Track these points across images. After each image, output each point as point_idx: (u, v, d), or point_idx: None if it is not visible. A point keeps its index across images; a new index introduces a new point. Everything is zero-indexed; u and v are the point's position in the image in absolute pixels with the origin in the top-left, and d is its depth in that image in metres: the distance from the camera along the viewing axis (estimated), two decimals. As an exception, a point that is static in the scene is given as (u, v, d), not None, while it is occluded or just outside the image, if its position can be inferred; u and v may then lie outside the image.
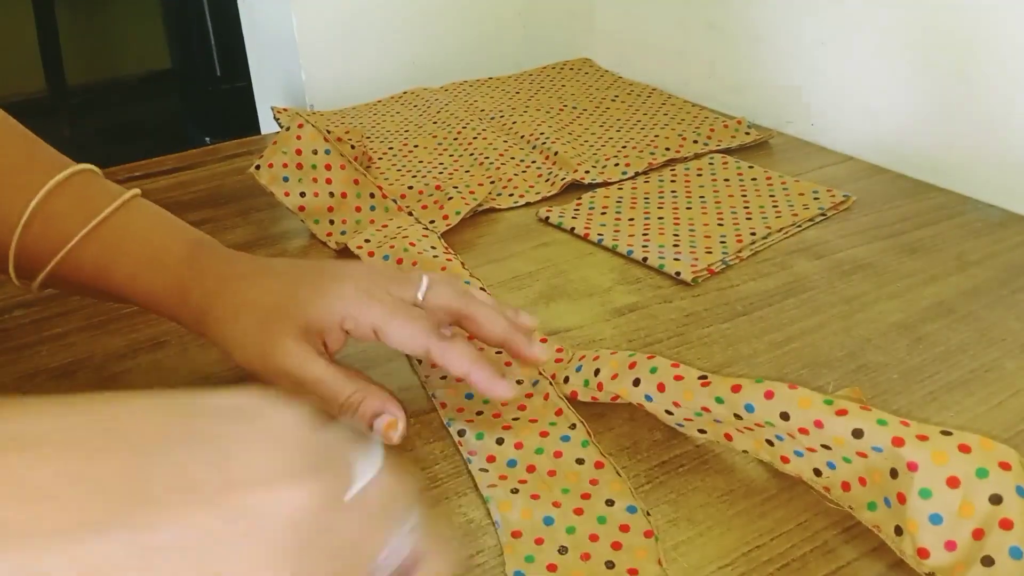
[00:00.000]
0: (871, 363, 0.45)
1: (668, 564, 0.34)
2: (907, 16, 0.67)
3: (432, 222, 0.58)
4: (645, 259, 0.55)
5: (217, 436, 0.21)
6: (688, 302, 0.51)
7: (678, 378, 0.38)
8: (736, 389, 0.35)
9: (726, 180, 0.66)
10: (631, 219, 0.60)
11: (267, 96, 0.97)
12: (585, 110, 0.81)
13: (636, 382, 0.39)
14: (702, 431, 0.38)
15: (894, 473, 0.32)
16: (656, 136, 0.74)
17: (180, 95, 2.08)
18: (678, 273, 0.53)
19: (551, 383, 0.43)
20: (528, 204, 0.64)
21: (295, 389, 0.36)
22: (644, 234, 0.58)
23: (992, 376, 0.44)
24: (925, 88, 0.68)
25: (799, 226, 0.59)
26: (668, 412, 0.38)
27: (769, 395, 0.35)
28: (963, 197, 0.63)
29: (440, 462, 0.39)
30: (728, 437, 0.38)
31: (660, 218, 0.60)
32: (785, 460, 0.36)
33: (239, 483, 0.20)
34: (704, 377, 0.37)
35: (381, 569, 0.23)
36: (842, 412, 0.33)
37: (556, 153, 0.71)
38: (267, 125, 0.93)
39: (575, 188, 0.65)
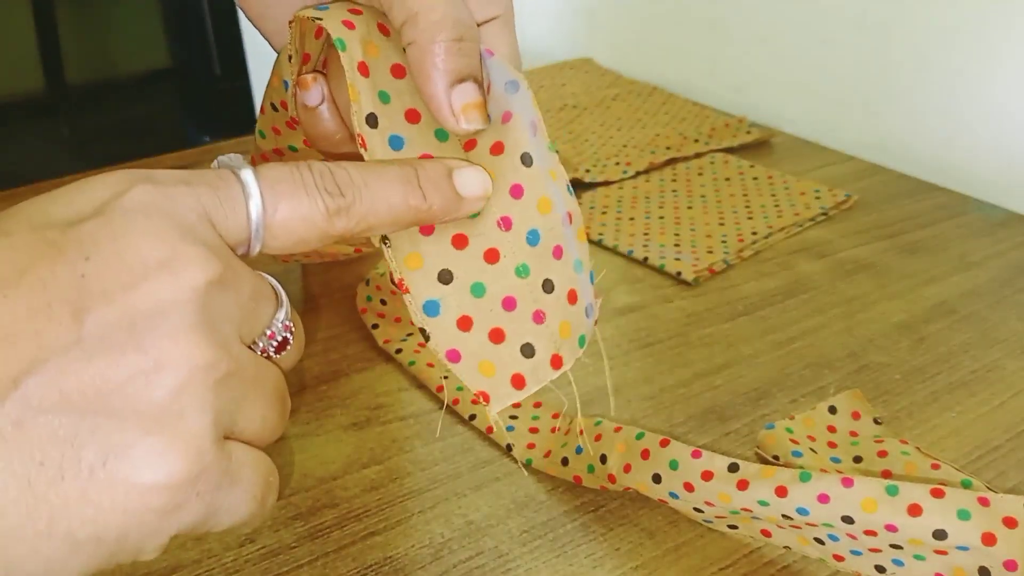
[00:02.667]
0: (873, 363, 0.45)
1: (668, 566, 0.34)
2: (908, 15, 0.67)
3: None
4: (646, 259, 0.55)
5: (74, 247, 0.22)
6: (689, 302, 0.51)
7: (707, 475, 0.32)
8: (782, 492, 0.31)
9: (727, 179, 0.65)
10: (632, 218, 0.60)
11: (266, 95, 0.96)
12: (586, 109, 0.81)
13: (656, 478, 0.34)
14: (733, 527, 0.34)
15: (985, 572, 0.29)
16: (657, 135, 0.74)
17: (179, 94, 2.08)
18: (679, 273, 0.53)
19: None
20: (528, 203, 0.64)
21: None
22: (645, 233, 0.58)
23: (994, 376, 0.44)
24: (926, 87, 0.67)
25: (800, 225, 0.59)
26: (697, 510, 0.34)
27: (824, 499, 0.30)
28: (965, 197, 0.63)
29: (440, 463, 0.39)
30: (766, 534, 0.34)
31: (661, 217, 0.60)
32: (839, 559, 0.33)
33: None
34: (735, 467, 0.32)
35: (264, 341, 0.26)
36: (916, 510, 0.29)
37: (557, 152, 0.70)
38: (266, 124, 0.93)
39: (575, 187, 0.65)
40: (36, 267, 0.21)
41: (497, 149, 0.29)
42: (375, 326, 0.47)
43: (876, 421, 0.40)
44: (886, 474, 0.36)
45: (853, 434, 0.39)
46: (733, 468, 0.32)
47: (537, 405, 0.41)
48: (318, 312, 0.50)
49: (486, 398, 0.29)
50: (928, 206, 0.62)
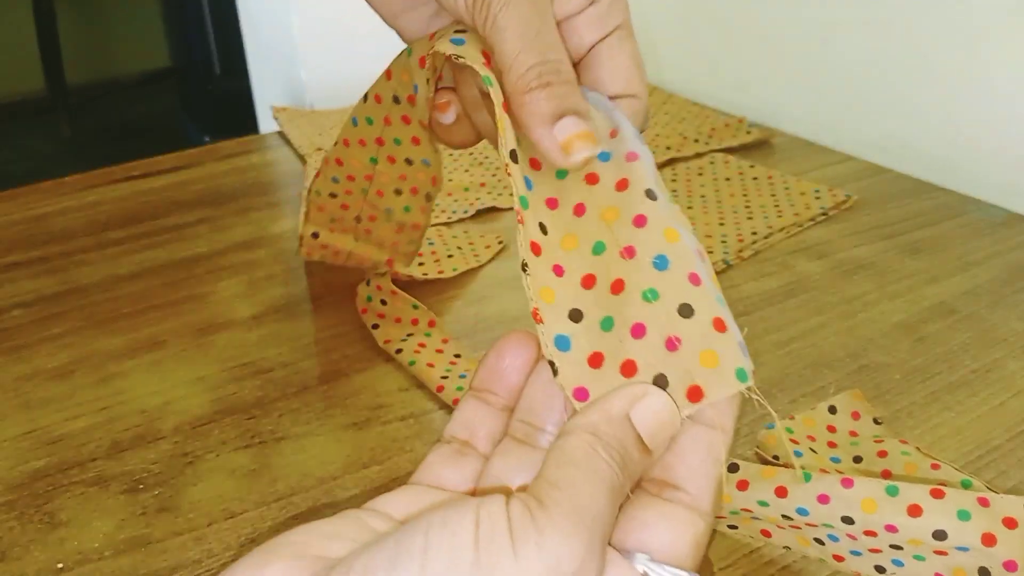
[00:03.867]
0: (873, 363, 0.45)
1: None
2: (908, 15, 0.67)
3: (425, 274, 0.54)
4: (646, 259, 0.55)
5: None
6: (689, 302, 0.51)
7: None
8: (782, 492, 0.31)
9: (727, 179, 0.65)
10: (632, 218, 0.60)
11: (266, 95, 0.96)
12: (585, 109, 0.81)
13: None
14: (732, 527, 0.34)
15: (985, 573, 0.29)
16: (657, 135, 0.74)
17: (179, 94, 2.08)
18: (679, 273, 0.53)
19: None
20: (528, 203, 0.64)
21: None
22: (645, 234, 0.58)
23: (994, 376, 0.44)
24: (927, 86, 0.67)
25: (800, 226, 0.59)
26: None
27: (824, 499, 0.30)
28: (965, 197, 0.63)
29: (440, 463, 0.39)
30: (766, 534, 0.34)
31: (661, 218, 0.60)
32: (839, 559, 0.32)
33: None
34: (734, 468, 0.32)
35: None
36: (916, 510, 0.29)
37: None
38: (266, 124, 0.93)
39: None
40: None
41: (622, 185, 0.28)
42: (375, 326, 0.47)
43: (876, 421, 0.40)
44: (886, 474, 0.36)
45: (853, 434, 0.39)
46: (733, 468, 0.32)
47: None
48: (319, 312, 0.50)
49: None
50: (928, 206, 0.62)
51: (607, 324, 0.27)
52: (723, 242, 0.56)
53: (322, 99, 0.87)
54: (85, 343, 0.48)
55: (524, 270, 0.28)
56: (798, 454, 0.36)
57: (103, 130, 2.12)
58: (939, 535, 0.28)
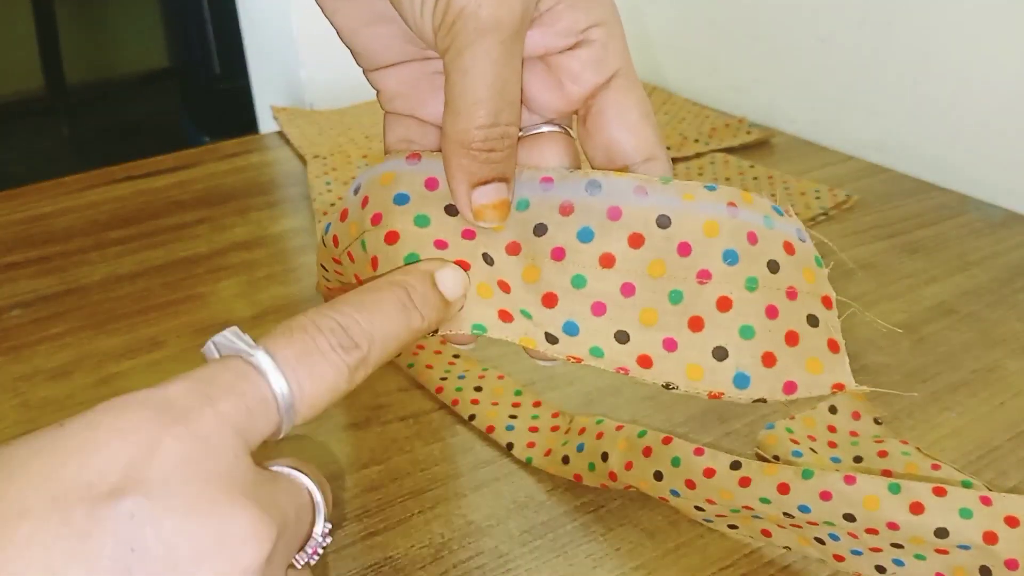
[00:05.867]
0: (873, 363, 0.45)
1: (674, 561, 0.34)
2: (908, 14, 0.67)
3: None
4: (646, 259, 0.55)
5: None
6: (689, 302, 0.51)
7: (709, 473, 0.32)
8: (784, 489, 0.31)
9: (727, 179, 0.65)
10: (631, 219, 0.60)
11: (266, 95, 0.96)
12: (585, 109, 0.81)
13: (658, 475, 0.34)
14: (733, 526, 0.34)
15: (986, 572, 0.29)
16: (656, 135, 0.73)
17: (179, 94, 2.08)
18: (679, 273, 0.53)
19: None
20: (528, 203, 0.64)
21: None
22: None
23: (994, 376, 0.44)
24: (927, 86, 0.67)
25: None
26: (698, 508, 0.34)
27: (826, 496, 0.30)
28: (965, 197, 0.63)
29: (440, 463, 0.39)
30: (766, 533, 0.34)
31: (661, 218, 0.60)
32: (839, 559, 0.32)
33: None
34: (737, 465, 0.32)
35: (303, 556, 0.25)
36: (918, 508, 0.29)
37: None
38: (266, 124, 0.93)
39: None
40: (71, 569, 0.18)
41: (635, 241, 0.27)
42: None
43: (876, 421, 0.40)
44: (886, 474, 0.36)
45: (853, 434, 0.39)
46: (735, 466, 0.32)
47: (537, 404, 0.41)
48: (318, 312, 0.50)
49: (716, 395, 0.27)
50: (928, 206, 0.62)
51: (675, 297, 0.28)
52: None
53: (322, 99, 0.87)
54: (84, 343, 0.48)
55: (583, 361, 0.28)
56: (798, 454, 0.36)
57: (103, 130, 2.12)
58: (941, 533, 0.28)
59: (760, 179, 0.65)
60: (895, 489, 0.29)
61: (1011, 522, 0.28)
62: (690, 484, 0.33)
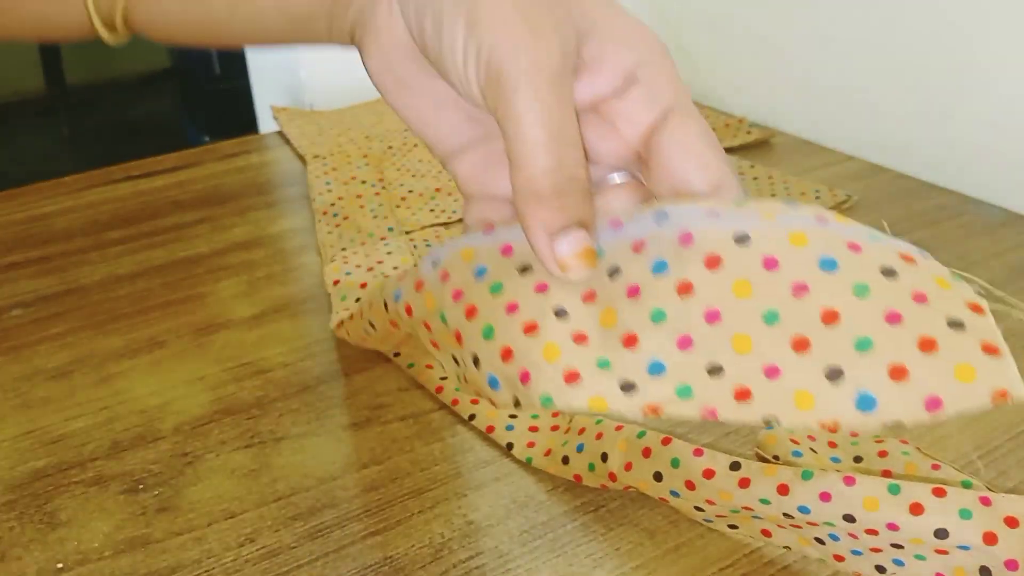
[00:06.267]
0: (873, 363, 0.45)
1: (669, 565, 0.34)
2: (909, 15, 0.67)
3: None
4: (646, 259, 0.54)
5: None
6: (689, 302, 0.51)
7: (708, 474, 0.32)
8: (783, 490, 0.30)
9: (727, 179, 0.65)
10: (632, 219, 0.60)
11: (266, 95, 0.96)
12: (585, 109, 0.81)
13: (657, 476, 0.33)
14: (733, 527, 0.34)
15: (986, 572, 0.29)
16: (656, 135, 0.73)
17: (179, 94, 2.08)
18: (679, 273, 0.53)
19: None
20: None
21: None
22: (645, 234, 0.58)
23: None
24: (927, 86, 0.67)
25: (800, 226, 0.59)
26: (698, 508, 0.34)
27: (826, 497, 0.30)
28: (965, 197, 0.63)
29: (440, 463, 0.39)
30: (766, 533, 0.33)
31: (661, 218, 0.60)
32: (839, 559, 0.32)
33: None
34: (736, 465, 0.31)
35: None
36: (918, 509, 0.29)
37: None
38: (266, 124, 0.93)
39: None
40: None
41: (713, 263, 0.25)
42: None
43: (876, 421, 0.40)
44: (886, 474, 0.36)
45: (853, 434, 0.39)
46: (735, 466, 0.32)
47: None
48: (319, 312, 0.50)
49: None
50: (928, 206, 0.62)
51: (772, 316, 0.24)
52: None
53: (322, 99, 0.87)
54: (85, 343, 0.48)
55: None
56: (798, 454, 0.36)
57: (103, 130, 2.12)
58: (940, 534, 0.28)
59: (760, 179, 0.65)
60: (895, 490, 0.29)
61: (1011, 523, 0.28)
62: (690, 485, 0.32)
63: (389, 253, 0.54)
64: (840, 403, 0.23)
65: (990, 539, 0.28)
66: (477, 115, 0.30)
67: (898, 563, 0.31)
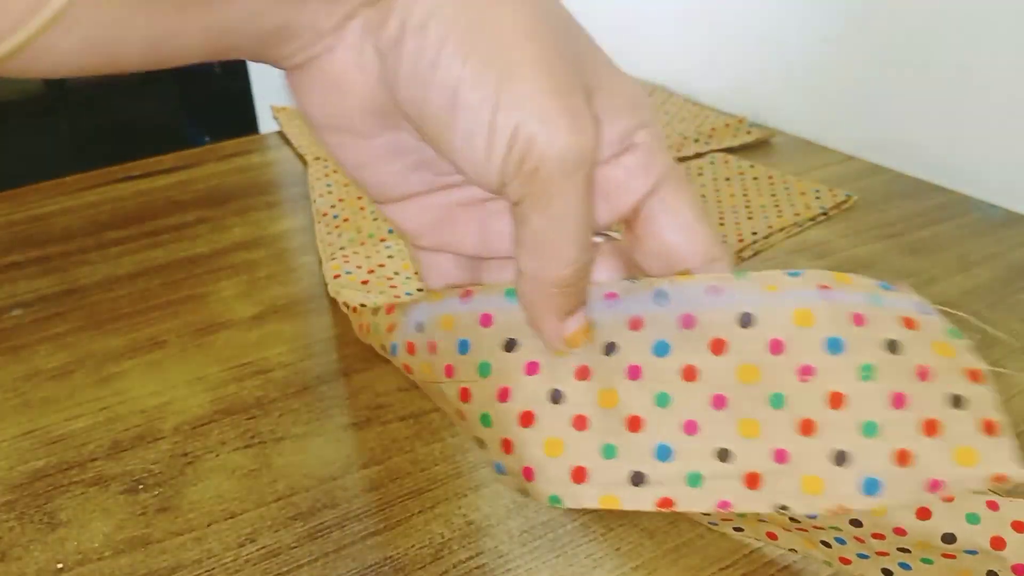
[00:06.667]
0: (873, 363, 0.45)
1: (669, 566, 0.34)
2: (909, 15, 0.67)
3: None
4: (646, 259, 0.54)
5: None
6: (689, 302, 0.51)
7: None
8: None
9: (727, 179, 0.65)
10: (632, 219, 0.60)
11: (266, 95, 0.96)
12: (585, 109, 0.81)
13: None
14: (738, 529, 0.34)
15: None
16: (656, 135, 0.73)
17: (179, 94, 2.08)
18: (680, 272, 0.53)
19: None
20: (528, 203, 0.64)
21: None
22: (645, 234, 0.58)
23: (994, 376, 0.44)
24: (927, 86, 0.67)
25: (800, 225, 0.59)
26: (703, 512, 0.34)
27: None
28: (965, 197, 0.63)
29: (440, 463, 0.39)
30: (772, 536, 0.33)
31: (661, 218, 0.60)
32: (846, 562, 0.32)
33: None
34: None
35: None
36: (925, 513, 0.28)
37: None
38: (266, 124, 0.93)
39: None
40: None
41: (719, 347, 0.25)
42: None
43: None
44: None
45: None
46: None
47: None
48: (319, 312, 0.50)
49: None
50: (928, 206, 0.62)
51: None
52: (723, 242, 0.56)
53: (322, 99, 0.86)
54: (85, 343, 0.48)
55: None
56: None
57: (103, 130, 2.12)
58: (948, 538, 0.28)
59: (760, 179, 0.65)
60: None
61: (1018, 527, 0.28)
62: None
63: (390, 257, 0.54)
64: (847, 487, 0.23)
65: (998, 544, 0.28)
66: (429, 165, 0.28)
67: (904, 567, 0.31)
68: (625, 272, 0.27)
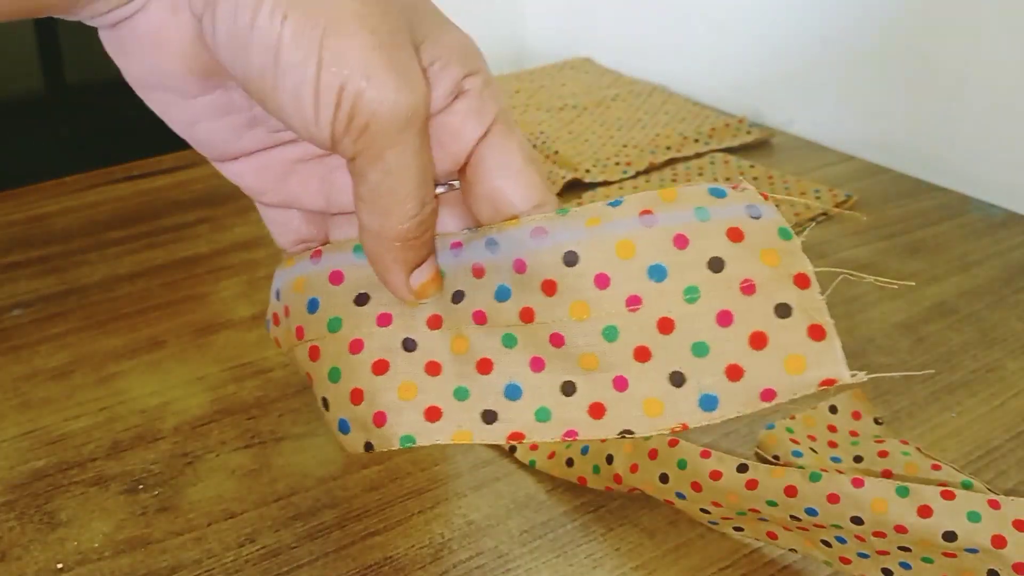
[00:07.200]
0: (873, 363, 0.45)
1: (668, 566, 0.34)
2: (909, 15, 0.67)
3: None
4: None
5: None
6: (689, 302, 0.51)
7: (715, 475, 0.31)
8: (791, 492, 0.30)
9: (727, 179, 0.65)
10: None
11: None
12: (586, 109, 0.81)
13: (663, 477, 0.33)
14: (739, 528, 0.34)
15: (994, 575, 0.29)
16: (657, 135, 0.74)
17: (179, 94, 2.08)
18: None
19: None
20: (528, 203, 0.64)
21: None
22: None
23: (994, 376, 0.44)
24: (927, 86, 0.67)
25: (801, 226, 0.59)
26: (704, 511, 0.33)
27: (834, 499, 0.29)
28: (965, 197, 0.63)
29: (440, 463, 0.39)
30: (772, 536, 0.33)
31: (661, 218, 0.60)
32: (846, 561, 0.32)
33: None
34: (744, 467, 0.31)
35: None
36: (926, 512, 0.29)
37: (557, 152, 0.71)
38: (266, 124, 0.93)
39: (576, 187, 0.65)
40: None
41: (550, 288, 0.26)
42: None
43: (877, 421, 0.40)
44: (886, 474, 0.36)
45: (854, 434, 0.39)
46: (742, 468, 0.31)
47: None
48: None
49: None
50: (928, 206, 0.62)
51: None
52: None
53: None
54: (85, 343, 0.48)
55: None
56: (798, 454, 0.36)
57: (103, 130, 2.12)
58: (949, 536, 0.28)
59: (760, 179, 0.65)
60: (903, 492, 0.29)
61: (1019, 526, 0.28)
62: (696, 487, 0.32)
63: None
64: (686, 405, 0.25)
65: (999, 542, 0.28)
66: (262, 121, 0.27)
67: (905, 566, 0.31)
68: (471, 221, 0.28)
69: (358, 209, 0.25)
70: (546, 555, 0.34)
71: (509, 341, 0.26)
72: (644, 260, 0.24)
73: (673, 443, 0.34)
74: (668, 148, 0.70)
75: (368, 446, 0.27)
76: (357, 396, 0.27)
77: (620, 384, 0.25)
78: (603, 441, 0.36)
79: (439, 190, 0.28)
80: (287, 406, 0.42)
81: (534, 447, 0.39)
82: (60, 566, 0.34)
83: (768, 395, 0.24)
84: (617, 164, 0.68)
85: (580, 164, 0.68)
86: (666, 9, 0.89)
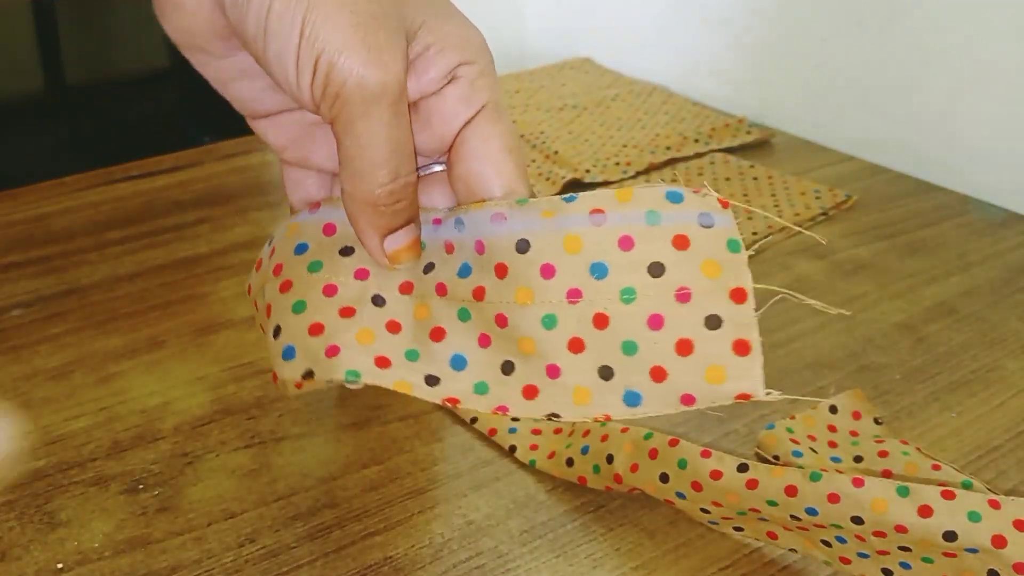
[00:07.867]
0: (873, 363, 0.45)
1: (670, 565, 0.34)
2: (909, 14, 0.67)
3: None
4: (646, 259, 0.55)
5: None
6: (689, 302, 0.51)
7: (715, 475, 0.32)
8: (791, 492, 0.30)
9: (727, 179, 0.65)
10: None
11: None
12: (586, 108, 0.81)
13: (664, 477, 0.33)
14: (739, 528, 0.34)
15: (994, 575, 0.29)
16: (657, 135, 0.74)
17: (179, 94, 2.08)
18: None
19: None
20: (528, 203, 0.64)
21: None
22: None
23: (994, 376, 0.44)
24: (927, 86, 0.67)
25: (800, 226, 0.59)
26: (704, 510, 0.34)
27: (834, 498, 0.29)
28: (965, 197, 0.63)
29: (440, 463, 0.39)
30: (772, 536, 0.33)
31: (661, 218, 0.60)
32: (846, 561, 0.32)
33: None
34: (744, 467, 0.31)
35: None
36: (926, 511, 0.29)
37: (556, 152, 0.71)
38: (266, 124, 0.93)
39: (576, 187, 0.65)
40: None
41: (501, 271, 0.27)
42: None
43: (877, 421, 0.40)
44: (886, 474, 0.36)
45: (854, 434, 0.39)
46: (743, 468, 0.31)
47: None
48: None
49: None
50: (928, 206, 0.62)
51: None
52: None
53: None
54: (84, 343, 0.48)
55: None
56: (798, 454, 0.36)
57: (103, 130, 2.12)
58: (949, 536, 0.28)
59: (760, 179, 0.65)
60: (903, 492, 0.29)
61: (1020, 526, 0.28)
62: (696, 486, 0.32)
63: None
64: (611, 398, 0.26)
65: (999, 542, 0.28)
66: None
67: (905, 566, 0.31)
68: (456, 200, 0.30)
69: (339, 171, 0.28)
70: (546, 555, 0.34)
71: (464, 315, 0.28)
72: (588, 256, 0.26)
73: (674, 443, 0.34)
74: (668, 148, 0.70)
75: (309, 373, 0.28)
76: (316, 329, 0.28)
77: (552, 372, 0.27)
78: (604, 440, 0.36)
79: (435, 168, 0.30)
80: (287, 406, 0.42)
81: (534, 447, 0.39)
82: (60, 566, 0.34)
83: (688, 400, 0.26)
84: (617, 164, 0.68)
85: (580, 164, 0.68)
86: (666, 9, 0.89)
